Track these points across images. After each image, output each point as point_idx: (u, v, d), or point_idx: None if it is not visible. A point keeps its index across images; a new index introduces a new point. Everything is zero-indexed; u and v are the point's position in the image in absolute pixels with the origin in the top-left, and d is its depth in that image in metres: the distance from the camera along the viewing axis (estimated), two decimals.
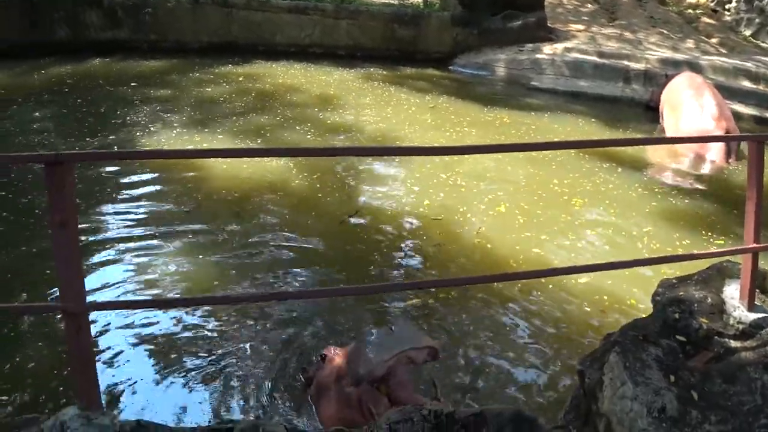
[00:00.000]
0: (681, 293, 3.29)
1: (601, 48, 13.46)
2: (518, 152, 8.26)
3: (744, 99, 11.63)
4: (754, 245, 3.15)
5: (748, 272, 3.15)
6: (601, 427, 2.60)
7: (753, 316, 3.07)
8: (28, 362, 4.09)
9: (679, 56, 13.00)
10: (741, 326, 3.04)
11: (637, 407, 2.36)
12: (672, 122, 9.93)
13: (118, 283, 5.08)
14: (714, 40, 15.01)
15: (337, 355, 3.71)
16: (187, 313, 4.65)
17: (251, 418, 3.61)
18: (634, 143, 7.19)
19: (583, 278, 5.49)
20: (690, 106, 9.49)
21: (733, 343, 2.97)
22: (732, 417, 2.40)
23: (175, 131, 8.70)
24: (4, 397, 3.75)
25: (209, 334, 4.46)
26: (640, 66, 12.52)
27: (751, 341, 2.97)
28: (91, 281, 4.98)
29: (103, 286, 5.01)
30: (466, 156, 8.03)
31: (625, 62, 12.67)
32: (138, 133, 8.56)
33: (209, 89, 10.93)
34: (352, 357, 3.42)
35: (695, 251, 5.83)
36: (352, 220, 6.44)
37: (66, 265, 2.53)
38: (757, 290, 3.29)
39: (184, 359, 4.21)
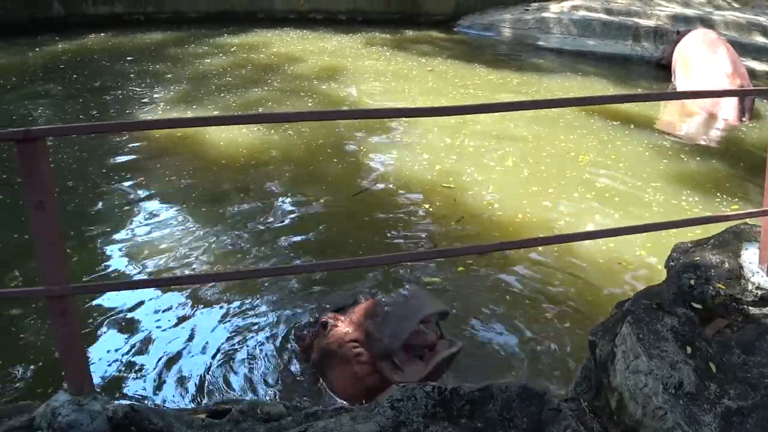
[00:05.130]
0: (696, 258, 3.13)
1: (610, 5, 13.08)
2: (525, 111, 8.09)
3: (758, 55, 11.27)
4: None
5: None
6: (613, 402, 2.47)
7: None
8: (26, 347, 4.01)
9: (690, 12, 12.61)
10: (760, 292, 2.88)
11: (651, 383, 2.22)
12: (684, 80, 9.63)
13: (114, 262, 4.96)
14: None
15: (338, 322, 3.59)
16: (181, 289, 4.53)
17: (249, 398, 3.52)
18: (643, 99, 6.96)
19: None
20: (703, 63, 9.17)
21: (752, 310, 2.82)
22: (752, 390, 2.26)
23: (169, 105, 8.53)
24: (5, 377, 3.68)
25: (206, 311, 4.35)
26: (650, 23, 12.16)
27: None
28: (86, 261, 4.87)
29: (99, 267, 4.90)
30: (470, 119, 7.88)
31: (635, 19, 12.31)
32: (132, 109, 8.39)
33: (206, 61, 10.71)
34: (373, 330, 3.36)
35: (709, 213, 5.68)
36: (365, 191, 6.21)
37: (46, 248, 2.40)
38: None
39: (180, 338, 4.10)
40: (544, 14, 12.86)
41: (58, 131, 2.51)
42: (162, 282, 4.33)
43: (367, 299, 3.73)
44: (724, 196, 6.29)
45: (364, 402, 2.99)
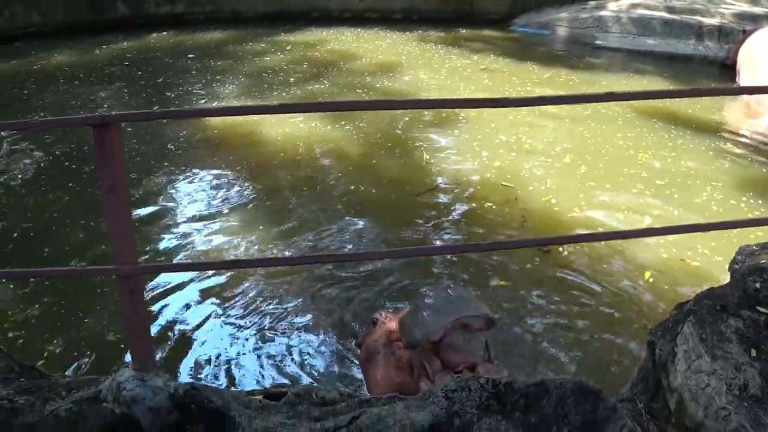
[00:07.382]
0: (762, 261, 3.02)
1: (671, 2, 12.66)
2: (583, 109, 8.04)
3: None
4: None
5: None
6: (672, 403, 2.41)
7: None
8: (93, 326, 4.20)
9: (758, 9, 12.08)
10: None
11: (715, 383, 2.16)
12: (750, 82, 9.26)
13: (178, 246, 5.14)
14: None
15: (387, 319, 3.60)
16: (243, 276, 4.65)
17: (306, 383, 3.59)
18: (704, 94, 6.70)
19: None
20: None
21: None
22: None
23: (230, 101, 8.76)
24: (70, 356, 3.87)
25: (266, 297, 4.46)
26: (714, 21, 11.72)
27: None
28: (151, 244, 5.05)
29: (163, 250, 5.08)
30: (528, 116, 7.82)
31: (698, 17, 11.89)
32: (193, 103, 8.67)
33: (265, 58, 10.96)
34: (408, 320, 3.28)
35: None
36: (429, 191, 6.20)
37: (117, 229, 2.51)
38: None
39: (240, 322, 4.22)
40: (602, 12, 12.57)
41: (132, 117, 2.67)
42: (226, 264, 4.45)
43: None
44: None
45: None
